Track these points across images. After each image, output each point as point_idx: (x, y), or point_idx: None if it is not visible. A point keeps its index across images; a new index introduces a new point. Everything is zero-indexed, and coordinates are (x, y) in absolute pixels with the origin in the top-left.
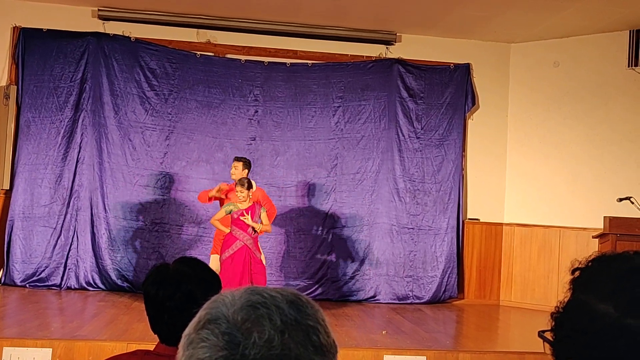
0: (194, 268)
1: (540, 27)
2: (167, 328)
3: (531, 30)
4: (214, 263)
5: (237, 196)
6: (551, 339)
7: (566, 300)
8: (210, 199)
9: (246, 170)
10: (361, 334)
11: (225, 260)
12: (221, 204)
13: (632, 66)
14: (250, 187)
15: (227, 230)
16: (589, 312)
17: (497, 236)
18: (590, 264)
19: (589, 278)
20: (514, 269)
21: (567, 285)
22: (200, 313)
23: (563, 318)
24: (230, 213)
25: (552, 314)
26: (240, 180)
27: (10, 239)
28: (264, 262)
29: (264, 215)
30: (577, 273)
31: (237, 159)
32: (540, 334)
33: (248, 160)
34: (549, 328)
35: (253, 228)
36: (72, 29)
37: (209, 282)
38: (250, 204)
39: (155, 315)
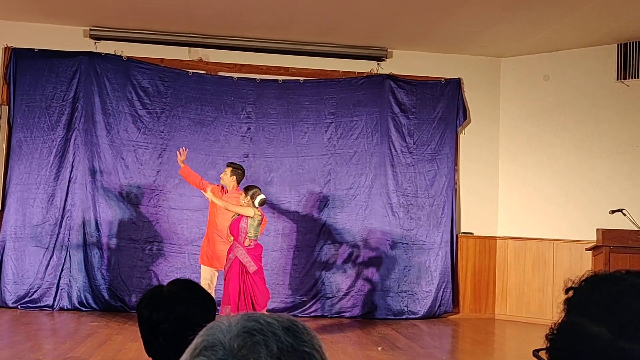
0: (188, 290)
1: (530, 41)
2: (162, 351)
3: (521, 45)
4: (205, 274)
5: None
6: (546, 359)
7: (560, 321)
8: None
9: (234, 177)
10: (357, 350)
11: (226, 272)
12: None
13: (620, 79)
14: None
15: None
16: (582, 335)
17: (491, 250)
18: (583, 284)
19: (582, 299)
20: (508, 283)
21: (561, 305)
22: (197, 340)
23: (557, 339)
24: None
25: (546, 335)
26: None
27: (1, 259)
28: (257, 272)
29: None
30: (570, 293)
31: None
32: (535, 354)
33: (238, 165)
34: (544, 347)
35: (246, 235)
36: (63, 48)
37: (204, 304)
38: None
39: (150, 338)
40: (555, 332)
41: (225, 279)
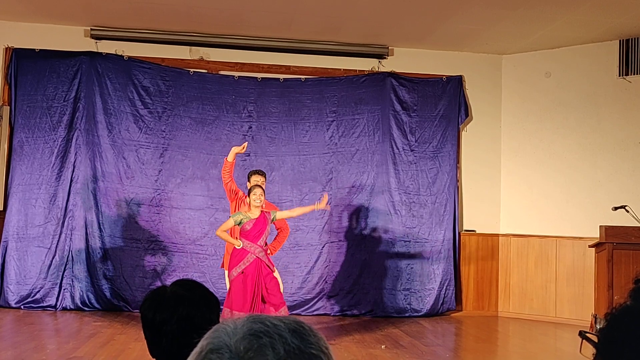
0: (191, 290)
1: (531, 39)
2: (166, 352)
3: (522, 42)
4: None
5: (249, 205)
6: (595, 339)
7: (623, 305)
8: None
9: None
10: (360, 348)
11: (236, 277)
12: (235, 206)
13: (622, 75)
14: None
15: (238, 243)
16: None
17: (493, 247)
18: None
19: None
20: (511, 280)
21: (627, 293)
22: (202, 342)
23: (617, 320)
24: (240, 224)
25: (606, 315)
26: (257, 186)
27: (4, 260)
28: (278, 278)
29: (280, 213)
30: (639, 284)
31: (258, 172)
32: (583, 334)
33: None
34: (596, 329)
35: (264, 240)
36: (64, 48)
37: (207, 305)
38: (260, 213)
39: (153, 339)
40: (616, 313)
41: (235, 282)
